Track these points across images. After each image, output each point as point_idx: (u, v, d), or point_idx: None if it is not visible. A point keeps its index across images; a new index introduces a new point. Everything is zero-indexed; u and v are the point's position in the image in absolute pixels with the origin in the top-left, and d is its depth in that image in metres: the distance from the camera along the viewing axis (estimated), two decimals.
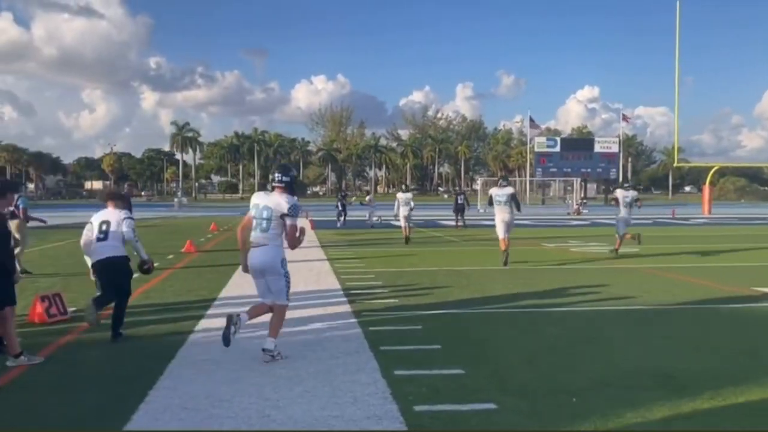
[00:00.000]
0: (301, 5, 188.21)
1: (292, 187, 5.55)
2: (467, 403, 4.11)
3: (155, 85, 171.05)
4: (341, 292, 8.57)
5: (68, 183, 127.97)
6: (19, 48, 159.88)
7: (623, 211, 13.52)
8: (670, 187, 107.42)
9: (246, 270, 5.68)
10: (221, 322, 6.61)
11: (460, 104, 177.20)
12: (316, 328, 6.43)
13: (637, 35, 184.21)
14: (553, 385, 4.53)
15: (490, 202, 12.09)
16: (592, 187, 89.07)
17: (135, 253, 6.63)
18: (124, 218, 6.45)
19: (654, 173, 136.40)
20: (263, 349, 5.29)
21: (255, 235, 5.49)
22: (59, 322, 6.65)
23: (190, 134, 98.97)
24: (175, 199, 54.46)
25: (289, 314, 7.03)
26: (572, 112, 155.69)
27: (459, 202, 24.90)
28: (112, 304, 6.18)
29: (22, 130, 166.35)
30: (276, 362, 5.13)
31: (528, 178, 67.14)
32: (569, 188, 71.88)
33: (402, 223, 17.41)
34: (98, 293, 6.27)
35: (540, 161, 64.20)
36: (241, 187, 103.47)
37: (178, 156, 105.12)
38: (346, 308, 7.41)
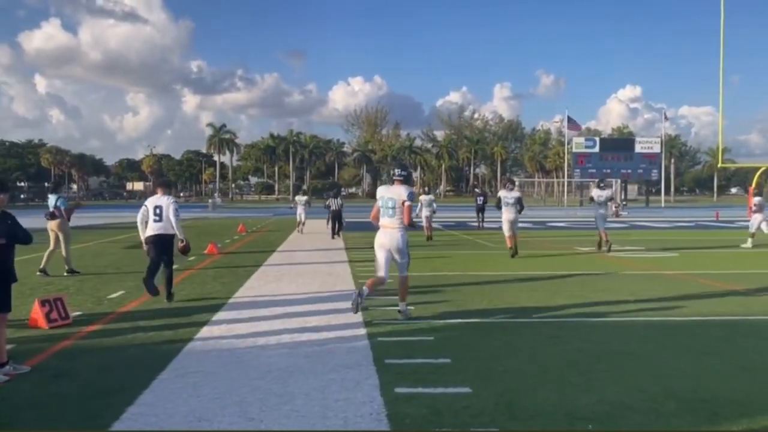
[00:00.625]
0: (339, 7, 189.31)
1: (408, 180, 7.35)
2: (469, 427, 3.70)
3: (196, 87, 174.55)
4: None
5: (111, 184, 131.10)
6: (66, 53, 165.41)
7: (598, 209, 15.15)
8: (715, 189, 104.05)
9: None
10: (223, 330, 6.35)
11: (498, 105, 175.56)
12: (323, 337, 6.06)
13: (681, 34, 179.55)
14: (569, 408, 4.07)
15: (498, 204, 13.76)
16: (633, 189, 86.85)
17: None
18: (171, 204, 8.18)
19: (698, 174, 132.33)
20: (398, 311, 7.07)
21: (384, 221, 7.07)
22: (60, 327, 6.43)
23: (226, 136, 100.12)
24: (210, 200, 55.02)
25: (299, 322, 6.72)
26: (613, 112, 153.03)
27: (479, 202, 25.28)
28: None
29: (69, 133, 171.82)
30: (270, 377, 4.78)
31: (566, 179, 65.66)
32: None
33: (424, 223, 18.40)
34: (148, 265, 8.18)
35: (578, 162, 62.81)
36: (276, 188, 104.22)
37: (216, 158, 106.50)
38: (358, 316, 7.03)
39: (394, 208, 6.91)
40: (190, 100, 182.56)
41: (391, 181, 7.24)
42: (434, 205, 19.25)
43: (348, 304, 7.22)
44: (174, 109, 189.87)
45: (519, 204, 13.74)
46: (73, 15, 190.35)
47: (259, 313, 7.30)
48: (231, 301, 8.12)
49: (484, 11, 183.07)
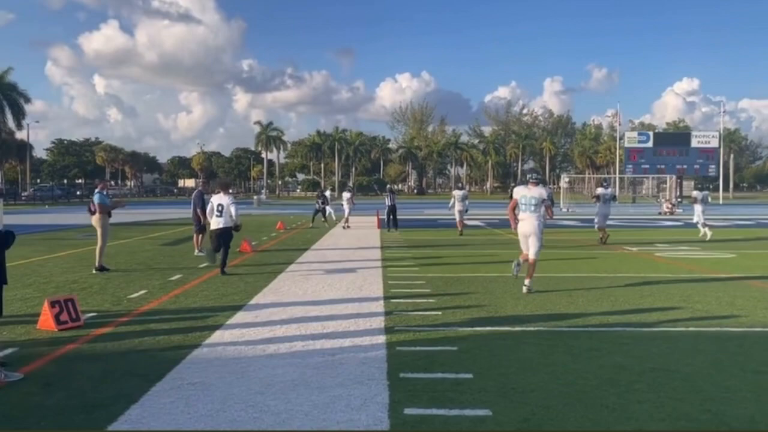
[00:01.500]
0: (387, 4, 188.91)
1: (544, 182, 9.27)
2: None
3: (247, 86, 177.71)
4: (381, 302, 7.76)
5: (163, 181, 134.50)
6: (124, 54, 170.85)
7: (603, 207, 16.32)
8: None
9: (515, 229, 8.88)
10: (235, 335, 6.00)
11: (548, 99, 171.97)
12: (337, 345, 5.64)
13: (741, 24, 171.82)
14: None
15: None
16: (689, 185, 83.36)
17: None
18: (231, 202, 10.46)
19: (759, 170, 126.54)
20: (525, 286, 8.50)
21: (524, 215, 8.69)
22: (70, 329, 6.21)
23: (273, 133, 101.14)
24: (255, 197, 55.49)
25: (316, 327, 6.32)
26: (669, 106, 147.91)
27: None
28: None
29: (126, 132, 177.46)
30: (271, 391, 4.39)
31: (617, 174, 63.56)
32: (663, 186, 67.57)
33: (457, 217, 19.17)
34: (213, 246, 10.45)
35: (630, 157, 60.73)
36: (322, 184, 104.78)
37: (264, 155, 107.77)
38: (379, 322, 6.59)
39: (534, 204, 8.58)
40: (241, 99, 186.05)
41: (527, 183, 8.82)
42: (467, 201, 19.86)
43: (373, 310, 6.81)
44: (226, 108, 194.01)
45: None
46: (130, 17, 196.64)
47: (276, 316, 6.94)
48: (251, 302, 7.79)
49: (534, 4, 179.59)
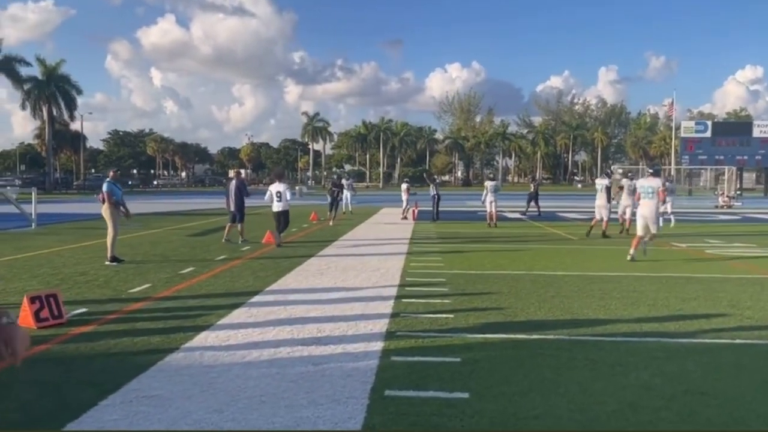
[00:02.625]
0: None
1: (659, 173, 11.49)
2: None
3: (298, 78, 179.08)
4: (391, 302, 7.14)
5: (214, 171, 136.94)
6: (180, 47, 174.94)
7: (628, 199, 16.20)
8: None
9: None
10: (220, 338, 5.50)
11: (603, 89, 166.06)
12: (326, 353, 5.07)
13: None
14: None
15: (633, 191, 14.42)
16: (750, 177, 79.44)
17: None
18: (286, 189, 13.27)
19: None
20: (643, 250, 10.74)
21: (643, 201, 10.73)
22: (51, 326, 5.84)
23: (320, 124, 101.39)
24: (297, 187, 55.53)
25: (310, 330, 5.77)
26: (731, 95, 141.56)
27: (531, 190, 25.23)
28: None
29: (181, 123, 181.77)
30: (231, 410, 3.84)
31: (673, 166, 60.89)
32: (722, 178, 64.40)
33: (488, 208, 18.71)
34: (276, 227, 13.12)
35: (687, 148, 57.96)
36: (368, 175, 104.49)
37: (311, 146, 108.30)
38: (382, 325, 5.98)
39: (651, 192, 10.67)
40: (292, 91, 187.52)
41: (647, 175, 10.46)
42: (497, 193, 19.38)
43: (380, 311, 6.23)
44: (277, 100, 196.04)
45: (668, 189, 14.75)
46: (186, 10, 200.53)
47: (273, 315, 6.42)
48: (253, 299, 7.30)
49: None
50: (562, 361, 4.90)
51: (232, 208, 13.85)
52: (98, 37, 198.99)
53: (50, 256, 11.16)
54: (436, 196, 21.37)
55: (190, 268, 9.71)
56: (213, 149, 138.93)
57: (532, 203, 24.89)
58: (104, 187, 10.44)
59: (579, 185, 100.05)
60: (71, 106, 54.06)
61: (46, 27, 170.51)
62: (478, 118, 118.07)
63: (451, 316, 6.41)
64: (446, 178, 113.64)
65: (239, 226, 13.75)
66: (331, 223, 19.02)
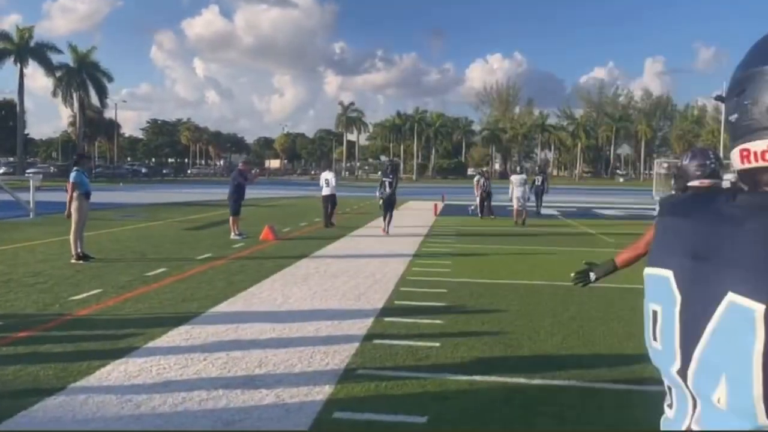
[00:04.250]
0: None
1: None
2: None
3: (338, 69, 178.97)
4: (370, 321, 5.85)
5: (251, 161, 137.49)
6: (223, 38, 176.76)
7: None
8: None
9: None
10: (128, 372, 4.32)
11: (649, 80, 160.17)
12: (250, 404, 3.82)
13: None
14: None
15: None
16: None
17: None
18: (333, 176, 15.65)
19: None
20: None
21: None
22: None
23: (354, 114, 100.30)
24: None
25: (251, 362, 4.48)
26: None
27: (537, 183, 21.68)
28: None
29: (222, 114, 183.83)
30: None
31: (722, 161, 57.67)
32: None
33: (515, 204, 17.23)
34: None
35: None
36: (402, 167, 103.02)
37: (344, 136, 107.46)
38: (344, 357, 4.70)
39: None
40: (331, 81, 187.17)
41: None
42: (526, 187, 17.93)
43: (352, 334, 4.97)
44: (316, 91, 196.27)
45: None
46: (230, 1, 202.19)
47: (216, 338, 5.19)
48: (207, 313, 6.09)
49: None
50: (568, 423, 3.54)
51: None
52: (144, 28, 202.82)
53: (20, 250, 10.23)
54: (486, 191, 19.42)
55: (161, 269, 8.59)
56: (252, 139, 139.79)
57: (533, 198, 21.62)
58: (72, 177, 9.38)
59: (621, 179, 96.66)
60: (102, 93, 54.24)
61: (95, 18, 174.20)
62: (517, 110, 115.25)
63: (437, 344, 5.08)
64: (484, 170, 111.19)
65: (230, 219, 12.67)
66: (383, 231, 13.96)
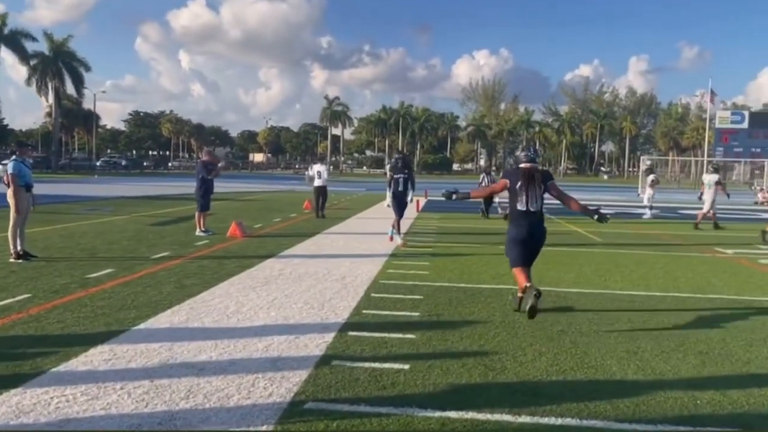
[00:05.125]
0: None
1: (717, 170, 16.40)
2: None
3: (325, 63, 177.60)
4: (332, 335, 5.06)
5: (235, 155, 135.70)
6: (209, 30, 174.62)
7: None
8: None
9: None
10: (10, 410, 3.45)
11: (633, 79, 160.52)
12: None
13: None
14: None
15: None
16: None
17: None
18: (325, 169, 16.46)
19: None
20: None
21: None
22: None
23: (339, 108, 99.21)
24: (306, 172, 53.54)
25: (176, 392, 3.61)
26: (765, 87, 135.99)
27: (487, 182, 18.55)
28: None
29: (208, 107, 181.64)
30: None
31: (705, 158, 57.61)
32: (758, 171, 60.89)
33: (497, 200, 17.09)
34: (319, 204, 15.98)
35: (722, 139, 54.85)
36: (386, 161, 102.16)
37: (329, 130, 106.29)
38: (290, 386, 3.91)
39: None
40: (318, 76, 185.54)
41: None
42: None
43: (310, 346, 4.17)
44: (303, 85, 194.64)
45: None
46: None
47: (141, 360, 4.37)
48: (140, 326, 5.26)
49: None
50: None
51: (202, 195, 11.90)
52: (130, 19, 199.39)
53: None
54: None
55: (108, 270, 7.72)
56: (238, 133, 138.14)
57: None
58: (9, 167, 8.45)
59: (605, 176, 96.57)
60: (79, 82, 52.69)
61: (81, 8, 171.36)
62: (502, 106, 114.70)
63: (406, 366, 4.30)
64: (468, 166, 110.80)
65: (195, 214, 11.82)
66: (399, 242, 11.13)
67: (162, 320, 5.44)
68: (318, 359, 4.43)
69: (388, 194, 11.50)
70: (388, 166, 12.50)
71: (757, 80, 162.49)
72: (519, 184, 5.72)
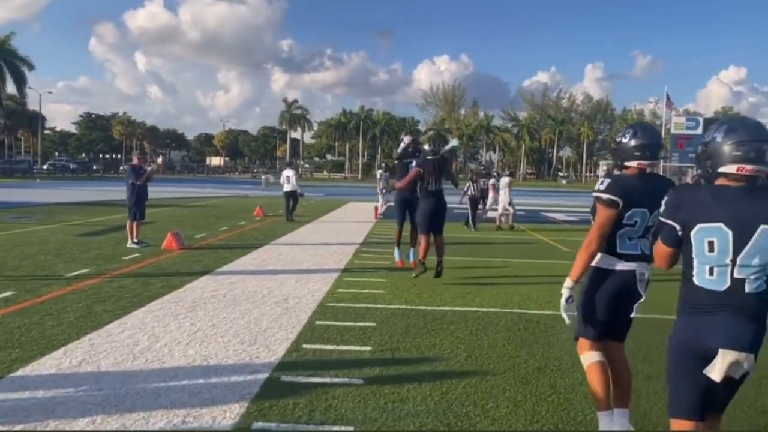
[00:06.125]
0: None
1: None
2: None
3: (286, 66, 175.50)
4: (258, 386, 4.07)
5: (192, 158, 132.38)
6: (167, 31, 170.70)
7: None
8: None
9: None
10: None
11: (589, 85, 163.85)
12: None
13: None
14: None
15: None
16: None
17: None
18: (294, 174, 16.99)
19: None
20: None
21: None
22: None
23: (298, 112, 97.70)
24: (263, 177, 52.16)
25: None
26: (714, 95, 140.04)
27: (484, 187, 17.51)
28: None
29: (165, 109, 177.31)
30: None
31: (662, 163, 58.38)
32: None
33: (511, 209, 16.95)
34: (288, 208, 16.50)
35: (677, 145, 55.51)
36: (347, 166, 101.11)
37: (288, 133, 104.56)
38: None
39: None
40: (279, 79, 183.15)
41: None
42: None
43: (218, 418, 3.16)
44: (263, 88, 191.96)
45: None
46: None
47: (3, 427, 3.31)
48: (25, 369, 4.18)
49: None
50: None
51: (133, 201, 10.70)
52: (85, 20, 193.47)
53: None
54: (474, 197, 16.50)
55: (6, 294, 6.54)
56: (194, 136, 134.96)
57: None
58: None
59: (564, 181, 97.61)
60: (21, 82, 50.01)
61: (34, 7, 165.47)
62: (462, 111, 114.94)
63: (350, 429, 3.34)
64: None
65: (127, 223, 10.65)
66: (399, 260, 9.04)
67: (47, 364, 4.35)
68: (235, 424, 3.44)
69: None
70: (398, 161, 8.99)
71: (707, 88, 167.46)
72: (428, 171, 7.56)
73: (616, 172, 3.29)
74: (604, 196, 3.07)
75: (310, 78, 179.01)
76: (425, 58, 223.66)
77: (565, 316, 3.22)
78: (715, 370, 2.26)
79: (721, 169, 2.33)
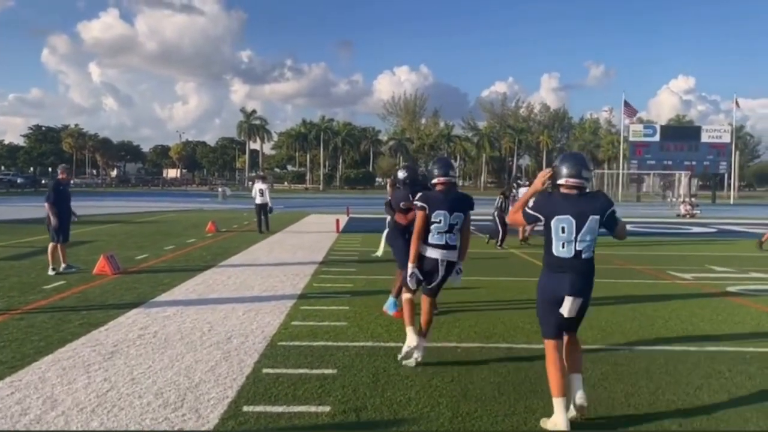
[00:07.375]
0: None
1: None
2: None
3: (246, 77, 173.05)
4: None
5: (148, 171, 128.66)
6: (123, 43, 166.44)
7: None
8: None
9: None
10: None
11: (545, 95, 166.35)
12: None
13: (738, 20, 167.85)
14: None
15: None
16: (692, 183, 78.59)
17: None
18: (266, 188, 17.27)
19: (763, 169, 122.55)
20: None
21: None
22: None
23: (257, 122, 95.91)
24: (219, 189, 50.54)
25: None
26: (665, 104, 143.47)
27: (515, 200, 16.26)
28: None
29: (121, 121, 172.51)
30: None
31: (621, 170, 58.86)
32: (666, 183, 62.88)
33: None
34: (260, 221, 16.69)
35: (636, 152, 56.18)
36: (308, 177, 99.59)
37: (247, 144, 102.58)
38: None
39: None
40: (239, 90, 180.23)
41: None
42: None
43: None
44: (222, 99, 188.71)
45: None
46: (130, 6, 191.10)
47: None
48: None
49: (532, 5, 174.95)
50: None
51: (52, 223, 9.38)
52: (37, 30, 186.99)
53: None
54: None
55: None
56: (150, 147, 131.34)
57: None
58: None
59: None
60: None
61: None
62: (423, 120, 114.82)
63: None
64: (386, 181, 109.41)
65: (49, 247, 9.37)
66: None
67: None
68: None
69: (383, 240, 8.02)
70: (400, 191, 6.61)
71: (658, 97, 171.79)
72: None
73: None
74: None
75: (271, 89, 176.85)
76: (386, 69, 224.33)
77: None
78: (566, 309, 3.59)
79: (559, 181, 3.69)
